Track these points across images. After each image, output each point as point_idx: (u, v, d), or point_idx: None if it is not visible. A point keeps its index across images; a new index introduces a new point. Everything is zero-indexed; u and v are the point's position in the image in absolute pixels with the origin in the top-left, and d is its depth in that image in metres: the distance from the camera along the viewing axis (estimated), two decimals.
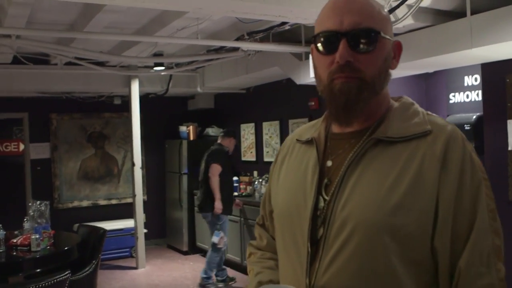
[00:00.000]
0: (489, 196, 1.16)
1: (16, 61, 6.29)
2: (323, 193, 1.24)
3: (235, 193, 7.24)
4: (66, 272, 3.48)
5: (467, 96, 5.31)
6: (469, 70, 5.21)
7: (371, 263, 1.14)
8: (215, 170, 6.17)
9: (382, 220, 1.13)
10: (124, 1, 3.23)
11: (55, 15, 4.83)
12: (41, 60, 6.48)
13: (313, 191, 1.25)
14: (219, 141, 6.57)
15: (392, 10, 3.83)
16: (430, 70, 5.26)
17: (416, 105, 1.29)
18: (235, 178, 7.71)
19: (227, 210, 6.26)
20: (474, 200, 1.13)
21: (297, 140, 1.41)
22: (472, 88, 5.25)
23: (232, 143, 6.54)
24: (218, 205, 6.10)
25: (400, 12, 3.91)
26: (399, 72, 5.09)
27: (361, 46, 1.18)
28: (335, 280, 1.17)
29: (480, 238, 1.12)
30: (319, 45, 1.23)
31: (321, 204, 1.23)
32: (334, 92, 1.20)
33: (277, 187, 1.40)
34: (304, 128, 1.44)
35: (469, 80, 5.28)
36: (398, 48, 1.28)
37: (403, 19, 3.93)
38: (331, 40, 1.20)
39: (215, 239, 6.13)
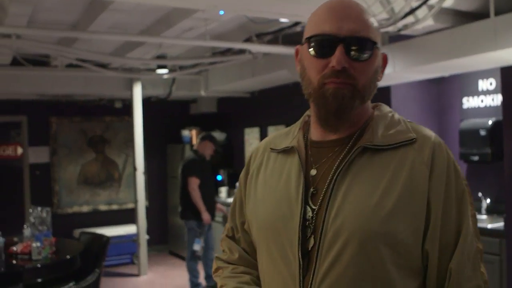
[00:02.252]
0: (471, 202, 1.21)
1: (15, 62, 6.10)
2: (310, 203, 1.22)
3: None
4: (70, 284, 3.30)
5: (482, 101, 5.15)
6: (484, 74, 5.06)
7: (368, 273, 1.13)
8: (193, 183, 6.01)
9: (376, 228, 1.13)
10: None
11: (58, 15, 4.65)
12: (41, 61, 6.29)
13: (300, 200, 1.22)
14: (195, 147, 6.39)
15: (412, 11, 3.67)
16: (446, 74, 5.10)
17: (394, 113, 1.30)
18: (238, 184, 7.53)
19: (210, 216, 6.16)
20: (459, 206, 1.18)
21: (272, 149, 1.37)
22: (487, 92, 5.10)
23: (208, 147, 6.28)
24: (206, 216, 5.99)
25: (421, 12, 3.76)
26: (413, 75, 4.93)
27: (358, 54, 1.18)
28: (325, 284, 1.15)
29: (467, 243, 1.16)
30: (313, 47, 1.21)
31: (309, 214, 1.21)
32: (326, 97, 1.19)
33: (255, 200, 1.35)
34: (277, 137, 1.41)
35: (483, 85, 5.13)
36: (384, 61, 1.29)
37: (424, 20, 3.77)
38: (328, 44, 1.19)
39: (196, 246, 6.04)
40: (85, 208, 8.38)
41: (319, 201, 1.20)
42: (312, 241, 1.18)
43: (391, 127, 1.23)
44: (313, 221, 1.19)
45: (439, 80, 5.57)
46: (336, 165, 1.21)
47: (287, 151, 1.32)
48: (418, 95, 5.63)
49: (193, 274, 6.21)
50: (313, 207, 1.21)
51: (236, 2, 3.19)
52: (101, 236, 5.26)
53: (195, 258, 6.15)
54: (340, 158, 1.22)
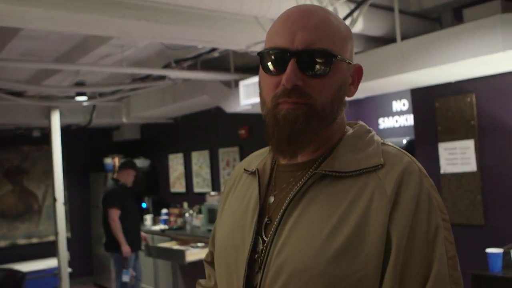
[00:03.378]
0: (449, 240, 1.00)
1: None
2: (263, 234, 1.08)
3: (164, 227, 6.96)
4: None
5: (396, 121, 5.36)
6: (397, 95, 5.27)
7: None
8: (114, 215, 5.87)
9: (320, 269, 0.96)
10: (42, 24, 2.97)
11: None
12: None
13: (252, 231, 1.09)
14: (115, 175, 6.24)
15: None
16: (361, 96, 5.27)
17: (373, 133, 1.12)
18: (164, 210, 7.43)
19: (135, 246, 6.02)
20: (430, 246, 0.96)
21: (245, 169, 1.24)
22: (400, 113, 5.31)
23: (130, 175, 6.14)
24: (126, 249, 5.85)
25: None
26: None
27: (314, 68, 1.02)
28: None
29: None
30: (265, 63, 1.06)
31: (260, 246, 1.07)
32: (278, 119, 1.03)
33: (219, 223, 1.24)
34: (253, 156, 1.28)
35: (397, 105, 5.34)
36: (358, 73, 1.12)
37: None
38: (279, 59, 1.03)
39: (125, 278, 5.89)
40: (2, 243, 7.97)
41: (271, 232, 1.06)
42: (259, 277, 1.04)
43: (361, 151, 1.07)
44: (262, 254, 1.06)
45: (356, 102, 5.75)
46: (292, 193, 1.06)
47: (253, 173, 1.18)
48: None
49: None
50: (265, 239, 1.07)
51: (148, 30, 3.17)
52: (16, 272, 5.03)
53: (124, 287, 5.97)
54: (297, 185, 1.07)
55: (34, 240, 8.24)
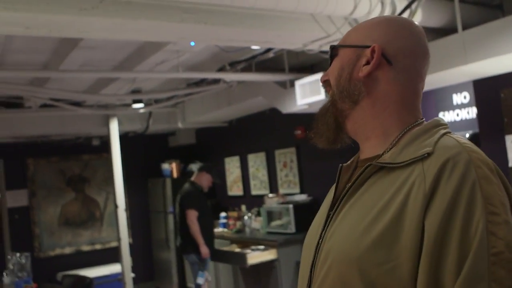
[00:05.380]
0: (496, 235, 0.92)
1: None
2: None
3: (223, 230, 6.97)
4: None
5: (457, 115, 5.19)
6: (457, 88, 5.10)
7: None
8: (192, 216, 5.88)
9: (356, 256, 1.00)
10: (102, 33, 3.02)
11: (27, 56, 4.59)
12: (14, 103, 6.21)
13: (324, 220, 1.17)
14: (192, 178, 6.24)
15: None
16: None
17: (443, 129, 1.10)
18: (223, 214, 7.45)
19: (210, 249, 5.99)
20: (466, 240, 0.91)
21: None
22: (461, 106, 5.14)
23: (206, 179, 6.16)
24: (204, 251, 5.83)
25: None
26: None
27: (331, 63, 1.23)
28: None
29: (470, 287, 0.89)
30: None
31: (324, 232, 1.16)
32: None
33: None
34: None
35: (458, 98, 5.17)
36: (372, 53, 1.14)
37: None
38: None
39: (200, 280, 5.87)
40: (67, 250, 8.20)
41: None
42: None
43: (419, 143, 1.06)
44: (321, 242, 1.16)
45: None
46: (348, 185, 1.14)
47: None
48: None
49: None
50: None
51: (206, 33, 3.17)
52: (84, 278, 5.13)
53: None
54: (354, 179, 1.13)
55: (97, 247, 8.43)
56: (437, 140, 1.04)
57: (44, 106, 6.19)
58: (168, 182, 8.04)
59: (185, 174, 8.24)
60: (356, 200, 1.09)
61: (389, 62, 1.13)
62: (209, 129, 8.37)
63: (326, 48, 3.92)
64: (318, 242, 1.14)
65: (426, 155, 1.01)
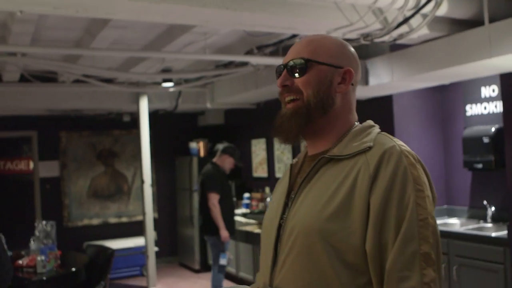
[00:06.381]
0: (422, 206, 1.26)
1: (23, 79, 6.22)
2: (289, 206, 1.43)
3: (246, 210, 7.06)
4: None
5: (485, 108, 5.14)
6: (486, 81, 5.05)
7: (311, 265, 1.30)
8: (214, 199, 5.84)
9: (318, 227, 1.29)
10: (127, 15, 3.11)
11: (60, 32, 4.74)
12: (48, 78, 6.40)
13: (282, 204, 1.45)
14: (215, 159, 6.14)
15: (406, 20, 3.70)
16: (446, 82, 5.10)
17: (376, 128, 1.43)
18: (246, 195, 7.54)
19: (230, 231, 5.98)
20: (402, 210, 1.25)
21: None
22: (489, 99, 5.09)
23: (229, 162, 6.09)
24: (224, 234, 5.81)
25: (415, 22, 3.78)
26: (413, 84, 4.94)
27: (294, 72, 1.44)
28: (285, 281, 1.35)
29: (405, 244, 1.22)
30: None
31: (285, 215, 1.42)
32: None
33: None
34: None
35: (486, 91, 5.12)
36: (346, 74, 1.43)
37: (418, 29, 3.79)
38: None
39: (223, 261, 5.90)
40: (95, 221, 8.46)
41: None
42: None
43: (358, 139, 1.39)
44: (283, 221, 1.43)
45: (442, 88, 5.57)
46: (305, 174, 1.42)
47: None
48: (421, 103, 5.62)
49: (216, 282, 6.04)
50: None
51: (228, 18, 3.23)
52: (106, 249, 5.31)
53: (223, 271, 6.01)
54: (309, 169, 1.42)
55: (124, 220, 8.66)
56: (374, 137, 1.37)
57: (77, 81, 6.36)
58: (195, 161, 8.17)
59: (212, 153, 8.35)
60: (312, 186, 1.38)
61: (352, 84, 1.46)
62: (237, 110, 8.45)
63: (350, 36, 3.95)
64: (279, 223, 1.42)
65: (368, 148, 1.34)
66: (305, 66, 1.42)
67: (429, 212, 1.27)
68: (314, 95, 1.40)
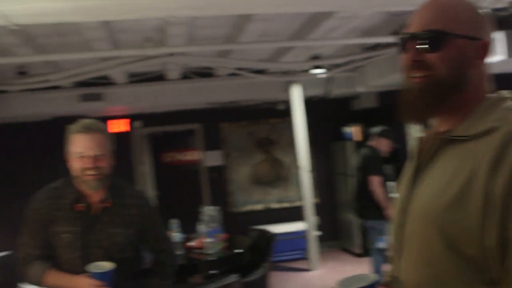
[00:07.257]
0: None
1: (184, 76, 6.76)
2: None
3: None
4: (236, 275, 3.63)
5: None
6: None
7: (427, 252, 1.22)
8: (377, 182, 5.78)
9: (435, 215, 1.19)
10: (267, 9, 3.27)
11: (212, 30, 5.08)
12: (206, 73, 6.87)
13: (408, 185, 1.35)
14: (371, 143, 6.09)
15: None
16: None
17: (507, 102, 1.25)
18: None
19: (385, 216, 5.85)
20: None
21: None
22: None
23: (386, 144, 6.02)
24: (389, 214, 5.58)
25: None
26: None
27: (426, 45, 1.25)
28: (404, 265, 1.31)
29: None
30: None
31: (411, 198, 1.33)
32: None
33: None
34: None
35: None
36: (483, 48, 1.27)
37: None
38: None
39: (381, 244, 5.86)
40: (258, 207, 8.90)
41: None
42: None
43: (484, 117, 1.22)
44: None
45: None
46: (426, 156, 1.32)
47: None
48: None
49: (377, 270, 6.02)
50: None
51: (363, 1, 3.24)
52: (267, 232, 5.57)
53: (382, 254, 5.95)
54: (429, 150, 1.32)
55: (285, 205, 8.98)
56: (503, 114, 1.20)
57: (232, 75, 6.74)
58: (350, 146, 8.19)
59: (367, 137, 8.30)
60: (432, 169, 1.28)
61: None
62: (391, 92, 8.27)
63: (499, 5, 3.73)
64: (403, 208, 1.33)
65: (493, 128, 1.17)
66: (441, 39, 1.23)
67: None
68: (448, 73, 1.24)
